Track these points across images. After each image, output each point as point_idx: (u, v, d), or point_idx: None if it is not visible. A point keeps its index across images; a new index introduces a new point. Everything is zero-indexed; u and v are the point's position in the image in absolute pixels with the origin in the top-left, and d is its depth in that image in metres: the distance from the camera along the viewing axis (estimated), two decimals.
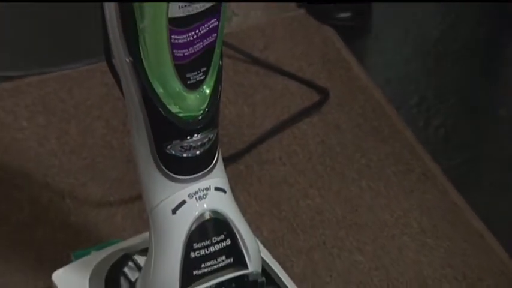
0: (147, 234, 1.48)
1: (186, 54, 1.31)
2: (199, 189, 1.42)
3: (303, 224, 1.76)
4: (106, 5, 1.31)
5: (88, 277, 1.57)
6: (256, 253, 1.48)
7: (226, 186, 1.45)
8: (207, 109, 1.36)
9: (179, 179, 1.40)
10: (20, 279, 1.67)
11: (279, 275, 1.59)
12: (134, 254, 1.58)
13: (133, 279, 1.54)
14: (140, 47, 1.31)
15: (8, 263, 1.69)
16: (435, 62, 2.04)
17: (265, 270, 1.55)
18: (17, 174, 1.80)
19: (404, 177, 1.83)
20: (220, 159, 1.44)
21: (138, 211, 1.69)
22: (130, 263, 1.58)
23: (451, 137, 1.90)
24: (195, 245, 1.42)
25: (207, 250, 1.43)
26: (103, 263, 1.59)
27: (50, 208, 1.76)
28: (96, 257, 1.60)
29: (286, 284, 1.58)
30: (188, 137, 1.37)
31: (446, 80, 2.02)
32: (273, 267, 1.59)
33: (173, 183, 1.41)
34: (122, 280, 1.56)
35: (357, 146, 1.87)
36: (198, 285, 1.44)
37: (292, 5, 2.10)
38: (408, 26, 2.12)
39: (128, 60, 1.32)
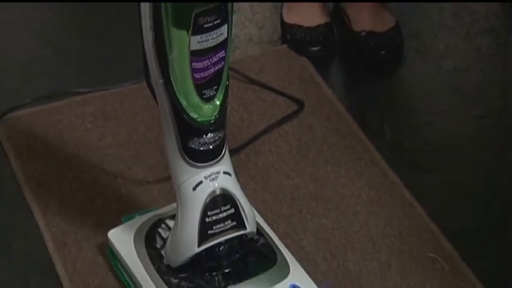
0: (175, 204, 1.47)
1: (202, 76, 1.30)
2: (211, 172, 1.41)
3: (285, 197, 1.74)
4: (145, 42, 1.30)
5: (133, 234, 1.56)
6: (252, 218, 1.47)
7: (231, 171, 1.44)
8: (217, 116, 1.36)
9: (197, 165, 1.40)
10: (84, 236, 1.65)
11: (268, 233, 1.57)
12: (166, 219, 1.57)
13: (165, 237, 1.53)
14: (170, 72, 1.30)
15: (76, 225, 1.67)
16: (380, 81, 2.02)
17: (259, 230, 1.54)
18: (83, 161, 1.78)
19: (357, 163, 1.81)
20: (227, 151, 1.43)
21: (168, 188, 1.66)
22: (163, 225, 1.56)
23: (390, 136, 1.88)
24: (209, 213, 1.42)
25: (217, 216, 1.43)
26: (144, 224, 1.57)
27: (106, 185, 1.74)
28: (139, 220, 1.59)
29: (273, 239, 1.56)
30: (204, 136, 1.36)
31: (388, 94, 2.00)
32: (264, 228, 1.57)
33: (193, 169, 1.40)
34: (157, 237, 1.55)
35: (324, 141, 1.85)
36: (211, 241, 1.44)
37: (279, 42, 2.07)
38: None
39: (161, 81, 1.32)
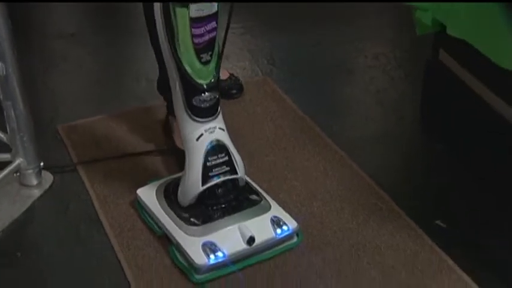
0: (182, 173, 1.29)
1: (200, 41, 1.15)
2: (210, 127, 1.24)
3: (265, 169, 1.54)
4: (159, 33, 1.13)
5: (155, 190, 1.37)
6: (242, 167, 1.30)
7: (224, 127, 1.27)
8: (212, 79, 1.20)
9: (199, 121, 1.23)
10: (120, 196, 1.45)
11: (255, 185, 1.38)
12: (177, 180, 1.35)
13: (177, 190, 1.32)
14: (177, 48, 1.14)
15: (114, 189, 1.47)
16: (328, 98, 1.84)
17: (247, 183, 1.35)
18: (120, 150, 1.56)
19: (316, 147, 1.62)
20: (221, 113, 1.25)
21: (178, 163, 1.45)
22: (175, 183, 1.35)
23: (337, 131, 1.70)
24: (209, 158, 1.24)
25: (215, 161, 1.25)
26: (162, 184, 1.38)
27: (136, 163, 1.54)
28: (158, 182, 1.39)
29: (258, 188, 1.37)
30: (202, 94, 1.20)
31: (335, 106, 1.82)
32: (251, 183, 1.38)
33: (196, 123, 1.23)
34: (171, 190, 1.34)
35: (292, 135, 1.66)
36: (211, 181, 1.25)
37: (255, 77, 1.90)
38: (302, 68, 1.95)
39: (170, 55, 1.16)
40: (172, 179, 1.38)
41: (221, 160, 1.23)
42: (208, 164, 1.22)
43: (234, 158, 1.25)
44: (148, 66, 1.81)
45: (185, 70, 1.15)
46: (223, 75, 1.80)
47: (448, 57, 1.61)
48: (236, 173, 1.26)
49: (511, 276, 1.28)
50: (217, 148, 1.23)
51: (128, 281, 1.24)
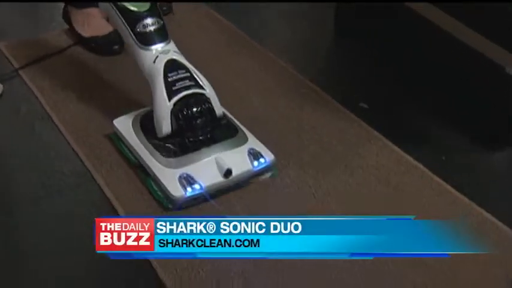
0: None
1: None
2: (163, 50, 1.23)
3: (206, 74, 1.48)
4: None
5: (131, 120, 1.29)
6: (208, 84, 1.25)
7: (179, 52, 1.25)
8: (149, 7, 1.22)
9: (152, 48, 1.22)
10: (71, 96, 1.41)
11: (232, 117, 1.32)
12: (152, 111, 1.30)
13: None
14: None
15: (63, 91, 1.43)
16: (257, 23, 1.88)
17: (225, 114, 1.29)
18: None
19: (250, 51, 1.63)
20: (172, 41, 1.25)
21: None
22: (151, 115, 1.27)
23: (264, 35, 1.73)
24: (169, 74, 1.21)
25: (176, 76, 1.22)
26: (138, 114, 1.30)
27: (82, 65, 1.50)
28: (134, 113, 1.31)
29: (235, 121, 1.31)
30: (144, 20, 1.21)
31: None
32: (228, 114, 1.32)
33: (150, 52, 1.22)
34: (147, 120, 1.27)
35: (228, 46, 1.66)
36: (177, 94, 1.21)
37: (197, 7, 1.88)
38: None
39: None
40: (146, 111, 1.30)
41: (182, 75, 1.20)
42: (169, 79, 1.19)
43: (197, 76, 1.22)
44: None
45: (124, 6, 1.18)
46: None
47: None
48: (202, 88, 1.22)
49: (433, 144, 1.38)
50: (175, 65, 1.20)
51: (88, 169, 1.23)
